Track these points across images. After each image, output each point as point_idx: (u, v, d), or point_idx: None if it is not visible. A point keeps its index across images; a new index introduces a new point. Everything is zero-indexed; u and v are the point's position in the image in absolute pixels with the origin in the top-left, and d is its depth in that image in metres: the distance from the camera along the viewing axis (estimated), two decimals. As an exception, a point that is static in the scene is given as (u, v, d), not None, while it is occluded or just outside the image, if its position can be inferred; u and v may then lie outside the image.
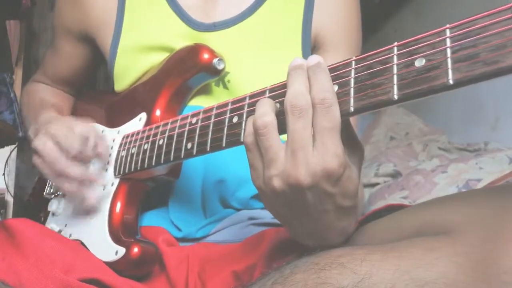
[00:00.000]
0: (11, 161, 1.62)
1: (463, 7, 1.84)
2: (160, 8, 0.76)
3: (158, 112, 0.67)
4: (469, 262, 0.34)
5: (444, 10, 2.01)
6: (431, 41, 0.35)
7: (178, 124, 0.57)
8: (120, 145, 0.67)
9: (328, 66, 0.42)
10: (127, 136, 0.66)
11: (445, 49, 0.34)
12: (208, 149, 0.50)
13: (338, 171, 0.38)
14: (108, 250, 0.59)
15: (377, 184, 1.56)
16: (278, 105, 0.43)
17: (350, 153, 0.43)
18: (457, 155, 1.57)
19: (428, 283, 0.34)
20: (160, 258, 0.62)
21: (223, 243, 0.66)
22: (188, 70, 0.67)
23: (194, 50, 0.67)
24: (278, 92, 0.45)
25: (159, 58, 0.72)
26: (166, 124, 0.59)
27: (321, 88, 0.39)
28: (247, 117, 0.47)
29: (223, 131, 0.49)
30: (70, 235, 0.67)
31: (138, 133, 0.64)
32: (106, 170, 0.66)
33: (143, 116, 0.68)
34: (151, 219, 0.69)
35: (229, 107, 0.49)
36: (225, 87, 0.71)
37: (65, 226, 0.69)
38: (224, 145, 0.48)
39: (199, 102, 0.70)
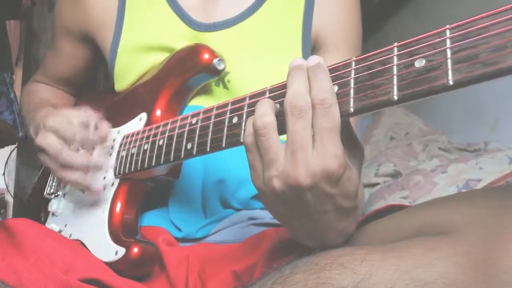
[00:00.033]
0: (11, 161, 1.62)
1: (463, 7, 1.84)
2: (160, 8, 0.76)
3: (158, 112, 0.67)
4: (469, 262, 0.34)
5: (444, 10, 2.01)
6: (431, 42, 0.35)
7: (178, 124, 0.57)
8: (121, 145, 0.67)
9: (328, 66, 0.42)
10: (127, 136, 0.66)
11: (445, 50, 0.34)
12: (208, 150, 0.50)
13: (338, 171, 0.38)
14: (108, 250, 0.59)
15: (377, 184, 1.56)
16: (278, 105, 0.43)
17: (350, 154, 0.42)
18: (457, 155, 1.56)
19: (428, 283, 0.34)
20: (160, 258, 0.62)
21: (223, 243, 0.66)
22: (188, 70, 0.67)
23: (195, 50, 0.67)
24: (278, 93, 0.44)
25: (159, 58, 0.72)
26: (166, 124, 0.59)
27: (321, 89, 0.39)
28: (247, 118, 0.46)
29: (223, 131, 0.49)
30: (70, 235, 0.67)
31: (138, 133, 0.64)
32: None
33: (143, 116, 0.68)
34: (151, 219, 0.69)
35: (229, 107, 0.49)
36: (225, 87, 0.71)
37: (65, 226, 0.69)
38: (224, 145, 0.48)
39: (199, 102, 0.70)
